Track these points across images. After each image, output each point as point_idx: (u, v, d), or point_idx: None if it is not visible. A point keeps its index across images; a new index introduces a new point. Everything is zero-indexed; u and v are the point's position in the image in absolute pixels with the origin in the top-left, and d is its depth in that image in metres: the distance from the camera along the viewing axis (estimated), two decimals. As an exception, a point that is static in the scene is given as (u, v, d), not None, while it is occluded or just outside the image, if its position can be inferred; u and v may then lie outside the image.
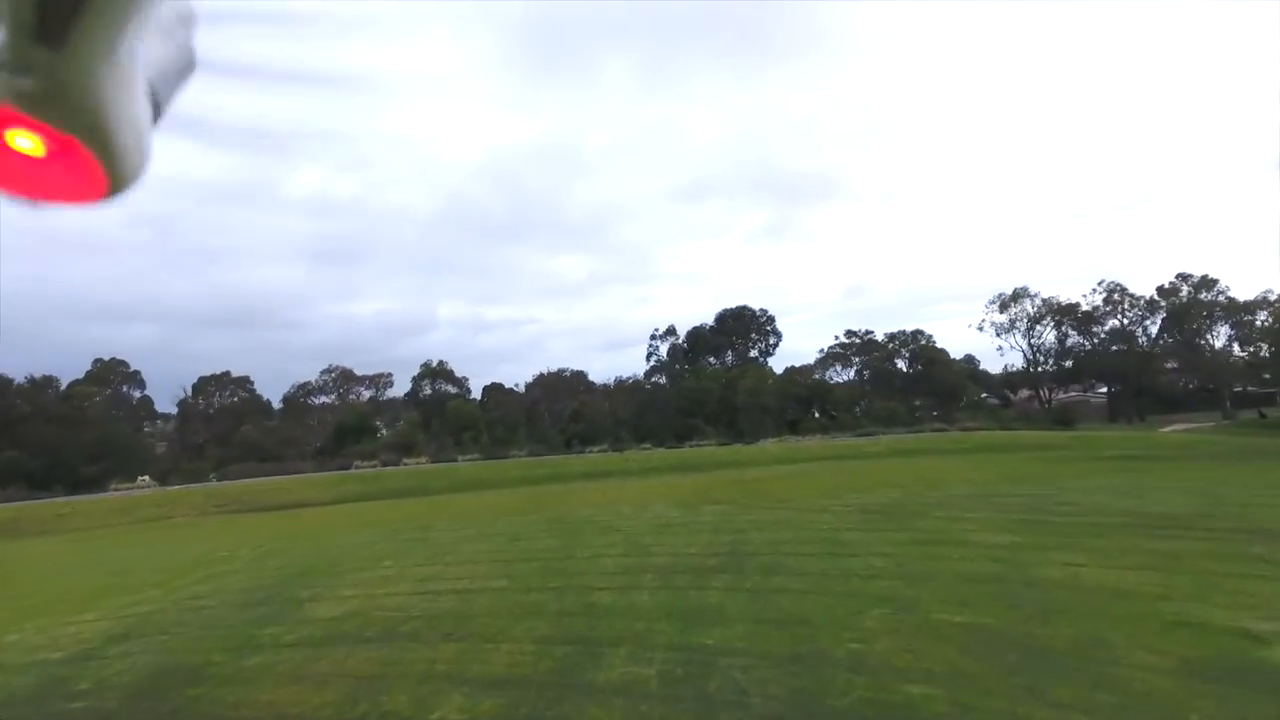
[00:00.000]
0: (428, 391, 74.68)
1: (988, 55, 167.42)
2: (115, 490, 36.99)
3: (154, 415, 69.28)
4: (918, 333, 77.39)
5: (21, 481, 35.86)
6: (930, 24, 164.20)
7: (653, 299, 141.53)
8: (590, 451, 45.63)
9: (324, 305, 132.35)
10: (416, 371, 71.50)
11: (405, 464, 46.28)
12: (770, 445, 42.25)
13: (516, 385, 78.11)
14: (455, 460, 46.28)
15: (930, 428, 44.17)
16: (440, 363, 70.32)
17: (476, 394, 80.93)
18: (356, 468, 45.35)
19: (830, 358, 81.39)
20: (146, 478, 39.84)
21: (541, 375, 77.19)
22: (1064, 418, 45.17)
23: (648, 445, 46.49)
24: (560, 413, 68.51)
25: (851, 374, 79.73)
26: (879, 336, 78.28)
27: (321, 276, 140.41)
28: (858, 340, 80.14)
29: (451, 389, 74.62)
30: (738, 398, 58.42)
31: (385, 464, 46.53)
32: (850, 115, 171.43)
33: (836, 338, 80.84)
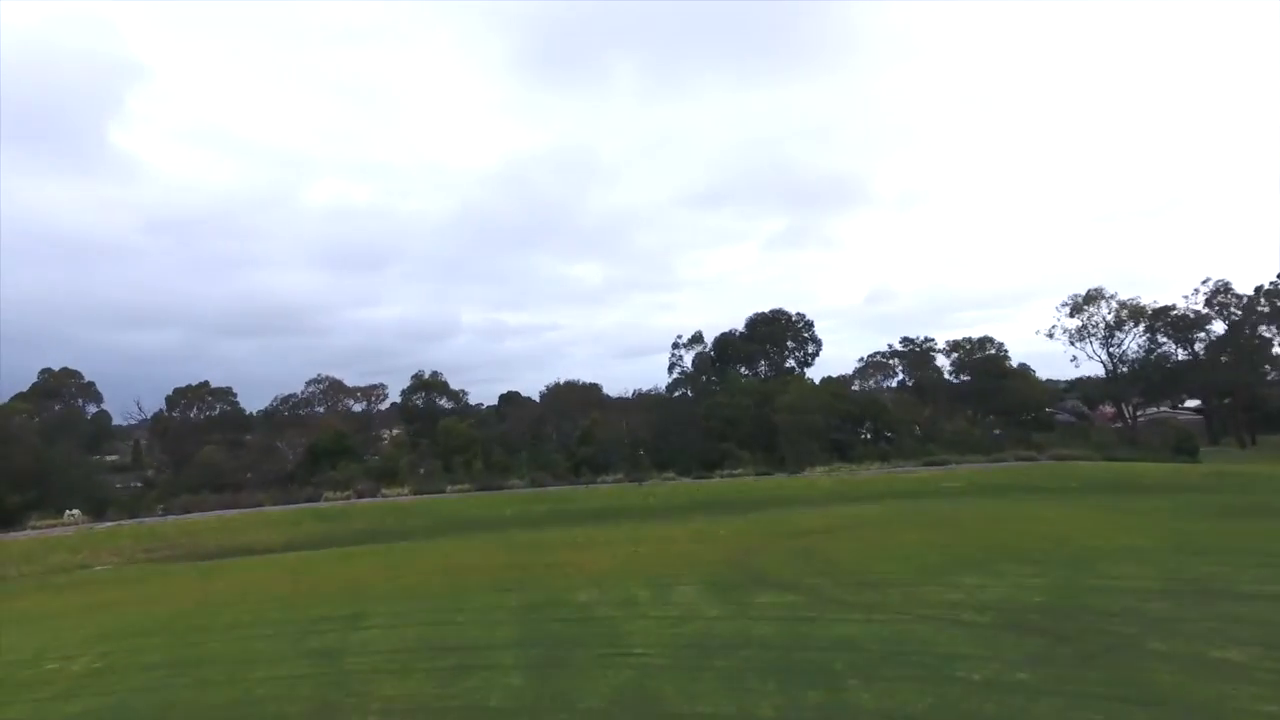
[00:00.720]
0: (420, 407, 71.35)
1: (1014, 54, 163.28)
2: (34, 529, 33.63)
3: (112, 435, 66.58)
4: (985, 340, 72.51)
5: (-80, 518, 32.65)
6: (950, 25, 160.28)
7: (673, 306, 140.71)
8: (602, 482, 41.57)
9: (347, 311, 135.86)
10: (407, 384, 67.99)
11: (384, 495, 42.60)
12: (819, 475, 37.91)
13: (534, 394, 75.43)
14: (443, 491, 42.48)
15: (1014, 455, 39.50)
16: (433, 373, 66.79)
17: (493, 401, 78.16)
18: (326, 500, 41.74)
19: (871, 367, 77.04)
20: (76, 512, 36.50)
21: (553, 387, 73.65)
22: (1186, 445, 40.18)
23: (671, 474, 42.33)
24: (571, 432, 64.69)
25: (893, 385, 75.30)
26: (939, 344, 73.53)
27: (344, 282, 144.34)
28: (914, 348, 75.42)
29: (447, 403, 71.09)
30: (777, 415, 54.06)
31: (361, 495, 42.86)
32: (869, 119, 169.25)
33: (890, 346, 76.31)
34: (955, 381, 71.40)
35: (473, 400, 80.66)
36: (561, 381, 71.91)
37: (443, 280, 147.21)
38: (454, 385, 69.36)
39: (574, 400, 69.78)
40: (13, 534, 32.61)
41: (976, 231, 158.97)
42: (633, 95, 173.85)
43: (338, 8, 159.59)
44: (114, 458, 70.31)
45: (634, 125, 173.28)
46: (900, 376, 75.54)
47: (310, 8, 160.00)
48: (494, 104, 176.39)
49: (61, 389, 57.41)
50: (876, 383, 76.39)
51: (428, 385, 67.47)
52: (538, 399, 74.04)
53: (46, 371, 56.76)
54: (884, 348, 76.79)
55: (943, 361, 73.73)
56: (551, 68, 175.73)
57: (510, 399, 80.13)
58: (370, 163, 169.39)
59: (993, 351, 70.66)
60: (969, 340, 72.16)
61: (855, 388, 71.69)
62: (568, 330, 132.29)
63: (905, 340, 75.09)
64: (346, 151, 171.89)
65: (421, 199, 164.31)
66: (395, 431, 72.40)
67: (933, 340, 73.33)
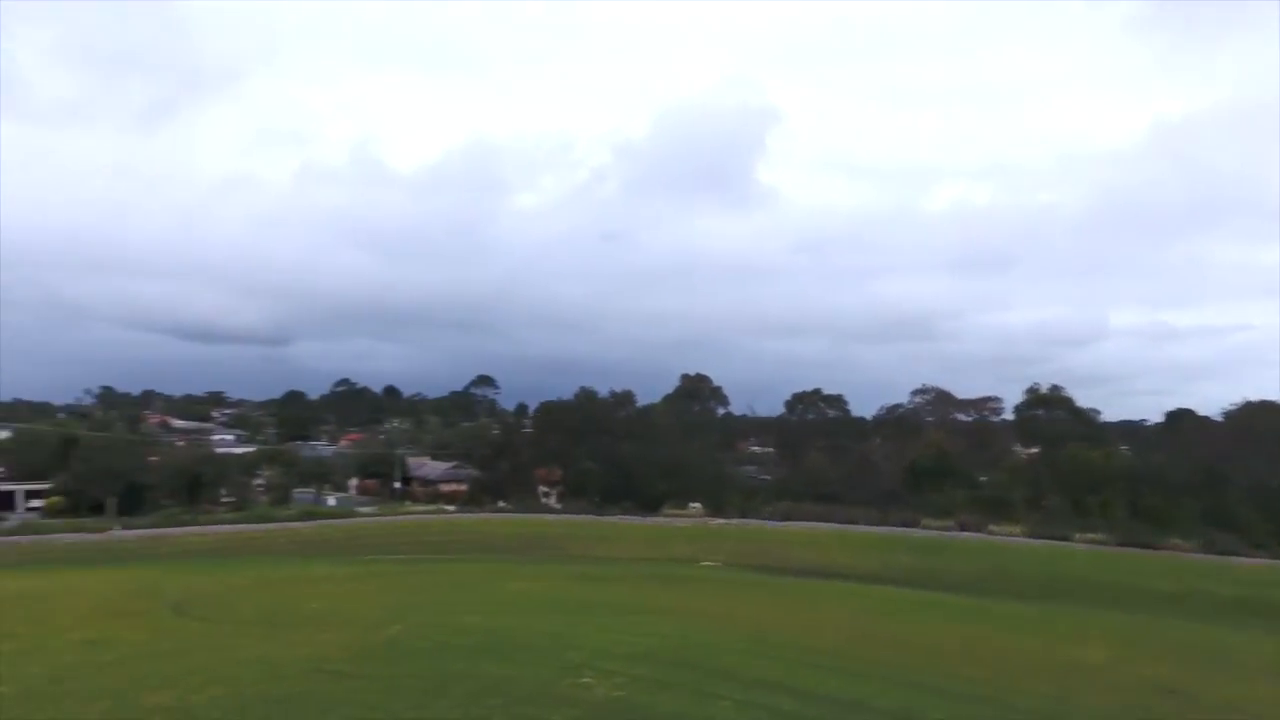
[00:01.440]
0: (1042, 425, 63.01)
1: None
2: (666, 515, 39.70)
3: (746, 435, 77.48)
4: None
5: (595, 495, 41.98)
6: None
7: None
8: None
9: (973, 316, 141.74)
10: (1021, 399, 60.84)
11: (992, 532, 37.91)
12: None
13: (1214, 414, 61.17)
14: (1068, 539, 35.59)
15: None
16: (1053, 387, 58.36)
17: (1158, 418, 67.08)
18: (925, 527, 39.22)
19: None
20: (698, 505, 41.99)
21: (1239, 407, 57.96)
22: None
23: None
24: (1269, 475, 48.46)
25: None
26: None
27: (968, 286, 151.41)
28: None
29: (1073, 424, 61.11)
30: None
31: (964, 528, 39.04)
32: None
33: None
34: None
35: (1129, 416, 69.76)
36: (1252, 400, 55.24)
37: (1082, 278, 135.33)
38: (1095, 400, 60.08)
39: (1273, 428, 52.47)
40: (649, 519, 39.11)
41: None
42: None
43: (944, 17, 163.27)
44: (768, 449, 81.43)
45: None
46: None
47: (910, 22, 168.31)
48: (1126, 73, 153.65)
49: (697, 391, 68.82)
50: None
51: (1046, 400, 58.99)
52: (1221, 420, 59.04)
53: (685, 376, 68.99)
54: None
55: None
56: (1195, 12, 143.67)
57: (1180, 418, 64.77)
58: (989, 162, 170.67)
59: None
60: None
61: None
62: (1260, 331, 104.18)
63: None
64: (964, 155, 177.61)
65: (1051, 192, 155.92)
66: (1020, 449, 65.55)
67: None
